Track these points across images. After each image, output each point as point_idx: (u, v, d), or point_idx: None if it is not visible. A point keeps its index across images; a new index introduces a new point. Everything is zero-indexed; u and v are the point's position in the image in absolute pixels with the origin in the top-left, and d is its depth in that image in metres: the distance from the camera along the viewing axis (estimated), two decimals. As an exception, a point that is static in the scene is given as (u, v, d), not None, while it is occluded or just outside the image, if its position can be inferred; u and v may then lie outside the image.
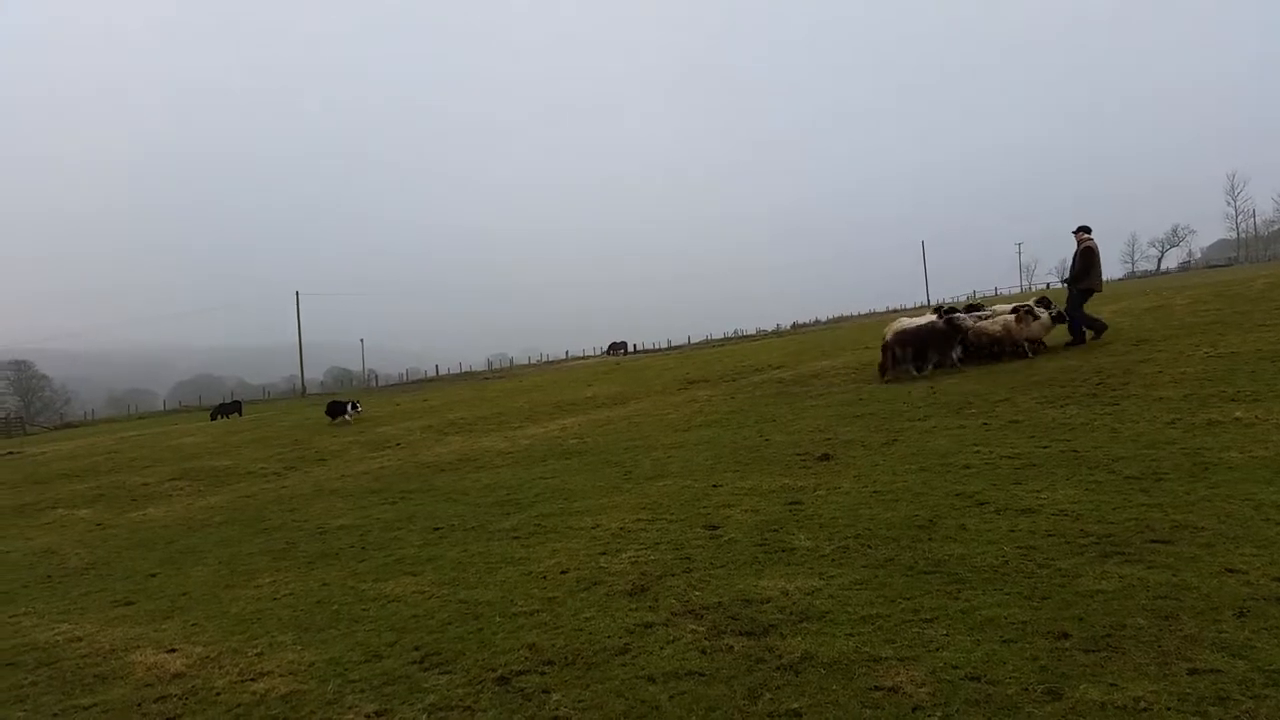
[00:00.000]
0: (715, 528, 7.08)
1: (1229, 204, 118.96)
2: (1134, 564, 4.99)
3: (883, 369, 15.86)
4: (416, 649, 5.27)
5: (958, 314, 15.83)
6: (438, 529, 8.77)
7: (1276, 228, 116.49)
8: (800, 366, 21.03)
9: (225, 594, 7.48)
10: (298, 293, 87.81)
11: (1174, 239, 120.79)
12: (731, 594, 5.39)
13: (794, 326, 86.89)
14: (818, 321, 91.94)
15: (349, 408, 25.78)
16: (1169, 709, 3.35)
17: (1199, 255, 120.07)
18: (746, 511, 7.49)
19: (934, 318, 16.05)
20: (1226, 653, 3.74)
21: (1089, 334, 15.85)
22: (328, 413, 26.04)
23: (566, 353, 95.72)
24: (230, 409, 49.48)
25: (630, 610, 5.36)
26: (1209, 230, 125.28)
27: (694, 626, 4.91)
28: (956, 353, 15.35)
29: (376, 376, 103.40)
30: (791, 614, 4.92)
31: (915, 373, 15.26)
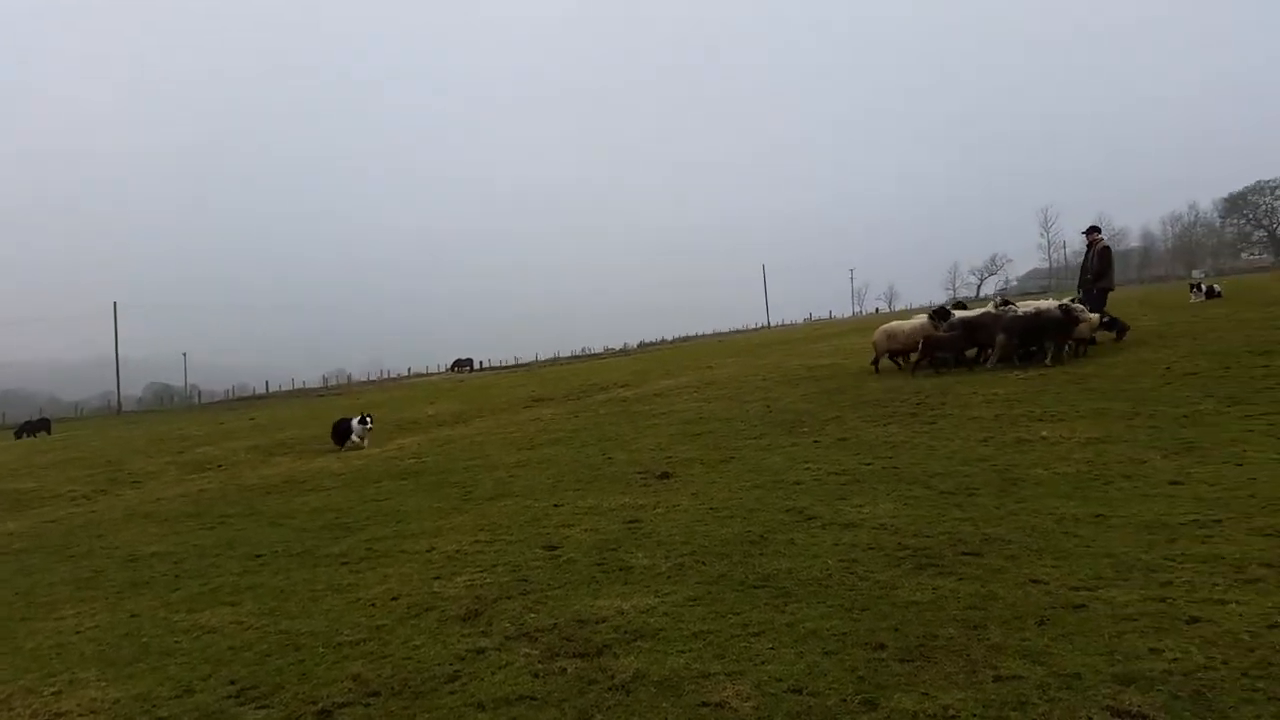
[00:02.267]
0: (554, 548, 7.04)
1: (1042, 236, 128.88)
2: (946, 576, 5.27)
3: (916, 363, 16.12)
4: (232, 682, 5.00)
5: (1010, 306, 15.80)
6: (259, 556, 8.34)
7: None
8: (645, 385, 21.30)
9: (21, 628, 6.88)
10: (115, 304, 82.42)
11: (992, 267, 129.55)
12: (568, 615, 5.37)
13: (641, 345, 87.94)
14: (664, 341, 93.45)
15: (355, 424, 17.93)
16: (975, 715, 3.54)
17: (1015, 283, 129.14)
18: (586, 531, 7.49)
19: (924, 319, 16.49)
20: (1028, 660, 4.00)
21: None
22: (334, 438, 18.17)
23: (409, 369, 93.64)
24: (37, 427, 45.77)
25: (463, 636, 5.25)
26: (1025, 260, 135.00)
27: (528, 650, 4.86)
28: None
29: (200, 393, 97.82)
30: (626, 633, 4.94)
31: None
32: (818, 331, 45.49)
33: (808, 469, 8.88)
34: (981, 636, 4.31)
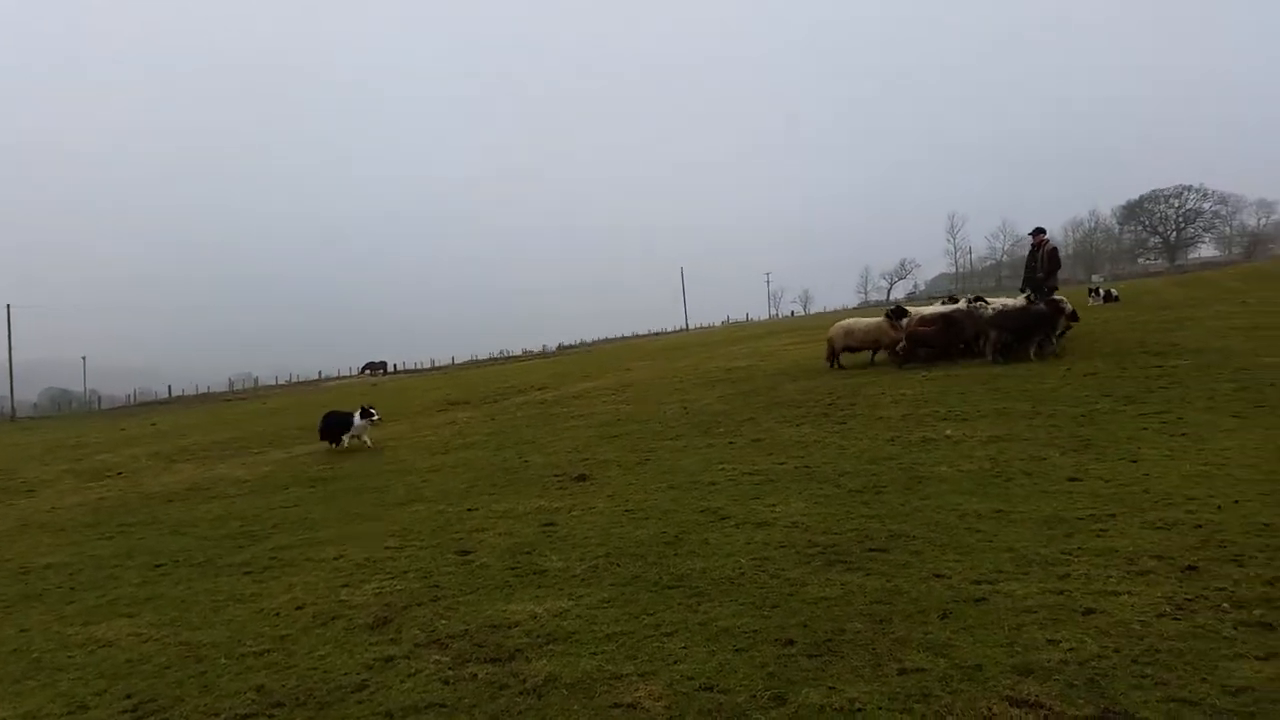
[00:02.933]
0: (467, 553, 6.95)
1: (949, 241, 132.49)
2: (854, 571, 5.37)
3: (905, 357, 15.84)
4: (129, 697, 4.80)
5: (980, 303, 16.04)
6: (160, 565, 8.04)
7: (988, 263, 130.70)
8: (563, 387, 21.23)
9: (-102, 650, 6.50)
10: (9, 306, 78.69)
11: (902, 271, 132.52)
12: (479, 621, 5.30)
13: (560, 348, 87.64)
14: (583, 343, 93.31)
15: (357, 417, 15.27)
16: (880, 708, 3.61)
17: (923, 287, 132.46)
18: (500, 535, 7.42)
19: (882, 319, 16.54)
20: (931, 652, 4.09)
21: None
22: (325, 436, 15.77)
23: (320, 372, 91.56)
24: (-79, 437, 43.47)
25: (371, 644, 5.14)
26: (933, 265, 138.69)
27: (438, 657, 4.78)
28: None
29: (100, 398, 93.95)
30: (539, 637, 4.90)
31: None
32: (735, 334, 45.95)
33: (723, 470, 8.95)
34: (887, 630, 4.40)
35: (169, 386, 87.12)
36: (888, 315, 16.47)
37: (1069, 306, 15.01)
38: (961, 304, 16.55)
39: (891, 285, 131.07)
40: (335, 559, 7.36)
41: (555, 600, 5.51)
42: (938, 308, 17.02)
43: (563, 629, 4.98)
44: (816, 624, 4.58)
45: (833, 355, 17.15)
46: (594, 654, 4.55)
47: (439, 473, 11.21)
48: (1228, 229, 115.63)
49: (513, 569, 6.34)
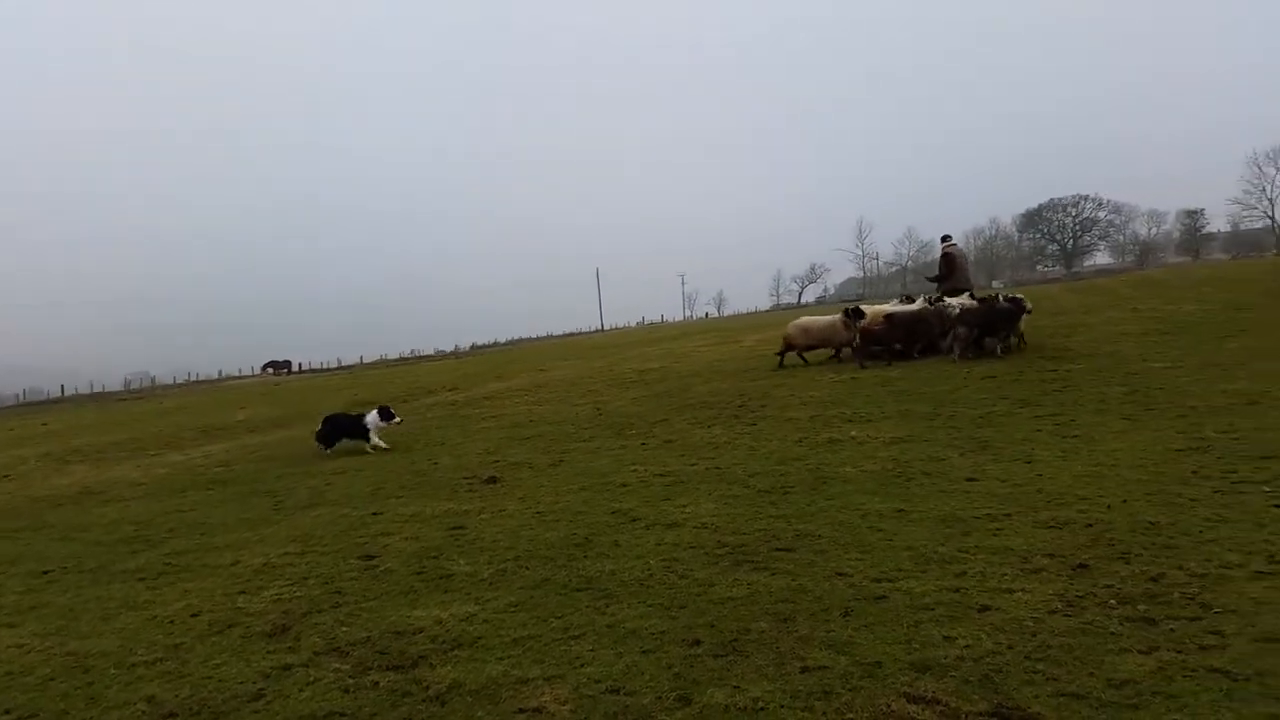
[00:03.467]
0: (371, 558, 6.80)
1: (858, 247, 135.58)
2: (761, 571, 5.43)
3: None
4: (8, 712, 4.56)
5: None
6: (47, 572, 7.67)
7: (895, 269, 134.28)
8: (475, 388, 21.01)
9: None
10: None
11: (812, 276, 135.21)
12: (382, 627, 5.19)
13: (473, 348, 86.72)
14: (496, 343, 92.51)
15: (373, 417, 13.18)
16: (782, 706, 3.66)
17: (833, 290, 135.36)
18: (406, 539, 7.28)
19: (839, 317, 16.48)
20: (833, 650, 4.16)
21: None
22: (323, 438, 13.47)
23: (220, 372, 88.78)
24: None
25: (268, 653, 4.98)
26: (841, 269, 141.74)
27: (338, 665, 4.66)
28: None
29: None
30: (444, 643, 4.83)
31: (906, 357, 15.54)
32: (650, 335, 46.17)
33: (634, 471, 8.97)
34: (791, 629, 4.46)
35: (61, 386, 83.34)
36: (845, 314, 16.63)
37: (1029, 304, 15.31)
38: (920, 303, 16.83)
39: (802, 289, 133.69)
40: (233, 565, 7.12)
41: (461, 605, 5.43)
42: (901, 307, 17.15)
43: (468, 634, 4.92)
44: (723, 624, 4.62)
45: (786, 351, 17.07)
46: (500, 659, 4.50)
47: (343, 475, 10.97)
48: (1121, 237, 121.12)
49: (418, 574, 6.23)
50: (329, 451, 13.23)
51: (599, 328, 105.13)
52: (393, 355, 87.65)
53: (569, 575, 5.76)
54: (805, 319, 17.64)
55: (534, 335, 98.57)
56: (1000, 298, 15.35)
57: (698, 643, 4.39)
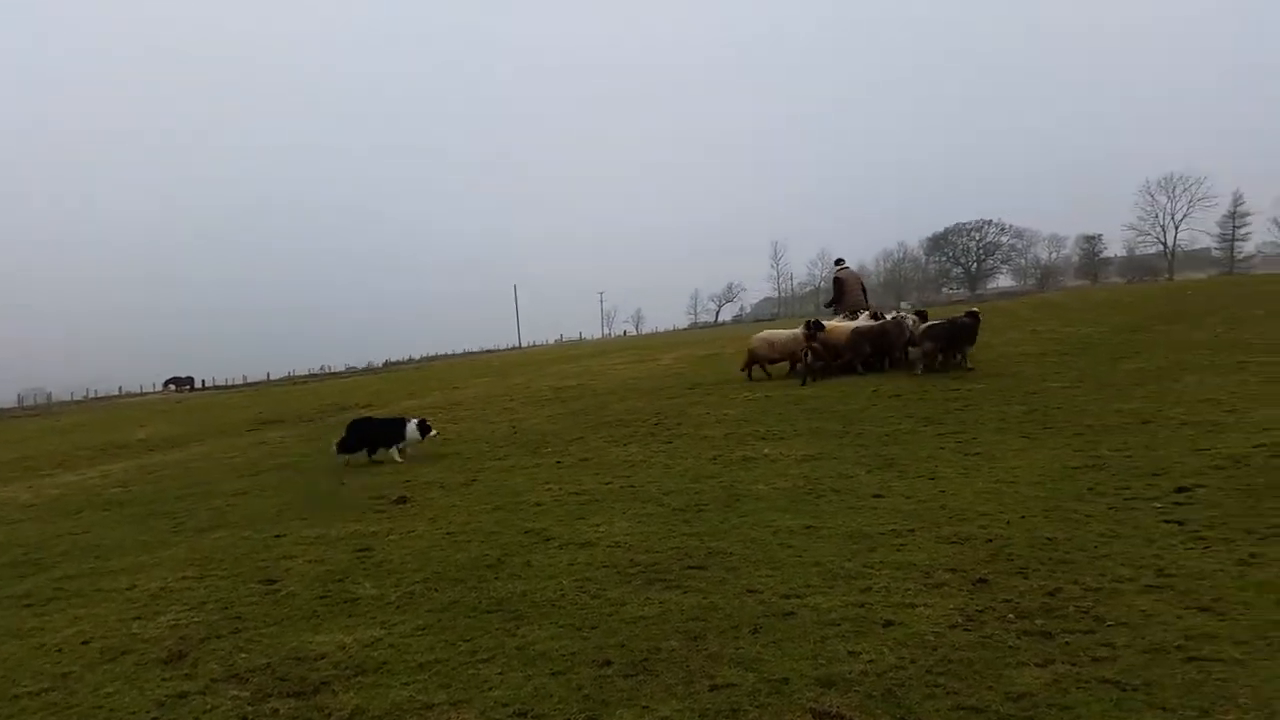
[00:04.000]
0: (273, 581, 6.60)
1: (773, 267, 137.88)
2: (673, 589, 5.44)
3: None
4: (-128, 756, 4.29)
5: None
6: (-77, 602, 7.25)
7: (809, 289, 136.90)
8: (387, 406, 20.62)
9: None
10: None
11: (729, 295, 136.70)
12: (283, 653, 5.04)
13: (387, 365, 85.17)
14: (411, 360, 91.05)
15: (414, 427, 12.09)
16: (690, 724, 3.66)
17: (749, 310, 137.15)
18: (310, 562, 7.09)
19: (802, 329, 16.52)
20: (741, 667, 4.19)
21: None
22: (346, 447, 12.34)
23: (120, 388, 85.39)
24: None
25: (163, 680, 4.79)
26: (757, 289, 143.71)
27: (236, 692, 4.50)
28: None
29: None
30: (347, 668, 4.70)
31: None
32: (568, 353, 46.05)
33: (549, 490, 8.91)
34: (701, 647, 4.47)
35: (-53, 403, 79.09)
36: (805, 326, 16.84)
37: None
38: (889, 318, 17.14)
39: (720, 307, 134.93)
40: (128, 589, 6.83)
41: (366, 629, 5.30)
42: (867, 321, 17.34)
43: (373, 659, 4.80)
44: (634, 643, 4.61)
45: (751, 365, 17.21)
46: (405, 684, 4.40)
47: (246, 496, 10.63)
48: (1023, 261, 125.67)
49: (322, 598, 6.07)
50: (344, 460, 12.25)
51: (516, 345, 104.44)
52: (301, 371, 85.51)
53: (479, 597, 5.68)
54: (769, 332, 17.96)
55: (450, 352, 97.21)
56: (965, 313, 15.80)
57: (608, 663, 4.37)
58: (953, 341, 15.04)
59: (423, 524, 8.02)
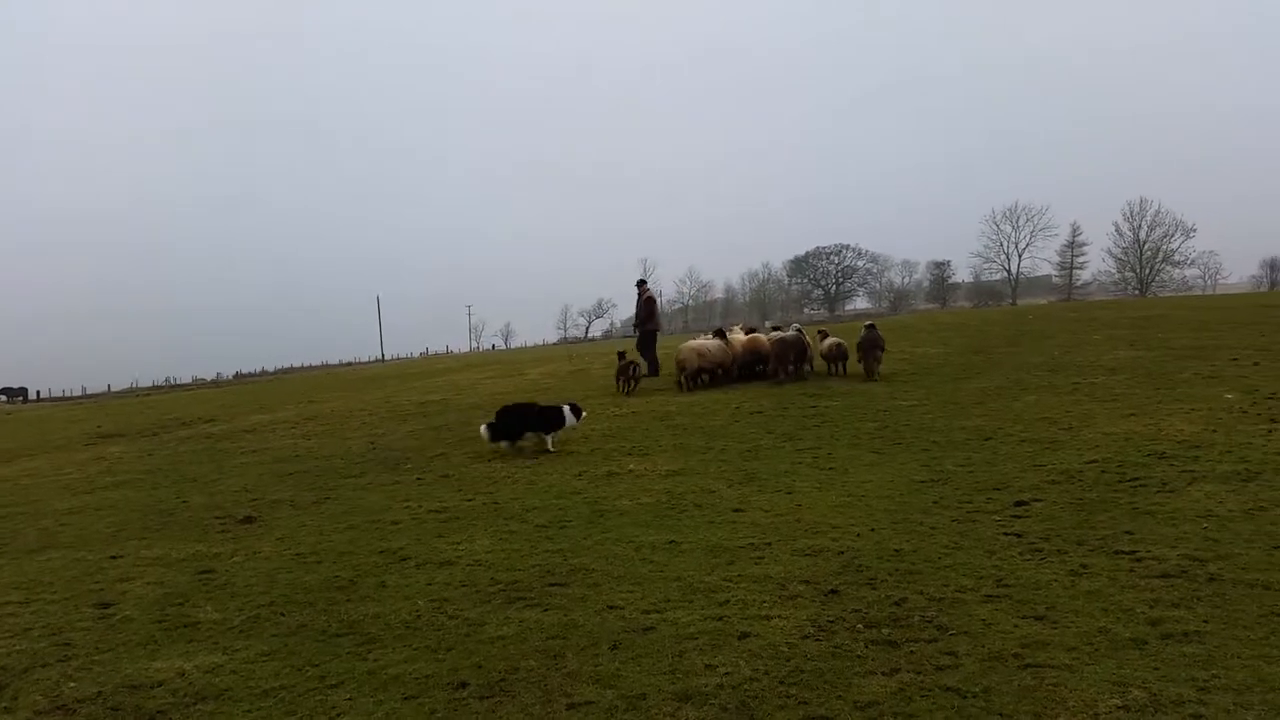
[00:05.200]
0: (108, 605, 6.19)
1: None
2: (534, 607, 5.39)
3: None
4: None
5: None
6: None
7: (677, 306, 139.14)
8: (236, 420, 19.67)
9: None
10: None
11: (599, 310, 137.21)
12: (116, 681, 4.72)
13: (237, 376, 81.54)
14: (265, 372, 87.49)
15: (567, 413, 11.68)
16: (546, 744, 3.61)
17: (619, 326, 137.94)
18: (149, 584, 6.68)
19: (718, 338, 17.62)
20: (600, 684, 4.17)
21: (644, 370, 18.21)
22: (498, 436, 11.72)
23: (-57, 401, 78.87)
24: None
25: (-26, 717, 4.42)
26: (628, 305, 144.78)
27: (60, 726, 4.19)
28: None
29: None
30: (186, 696, 4.45)
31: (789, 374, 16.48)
32: (433, 367, 45.16)
33: (407, 507, 8.69)
34: (560, 665, 4.44)
35: None
36: (714, 334, 17.78)
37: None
38: (791, 331, 17.86)
39: (590, 323, 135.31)
40: (-63, 619, 6.27)
41: (207, 655, 5.03)
42: (779, 333, 18.01)
43: (214, 686, 4.56)
44: (491, 664, 4.53)
45: (693, 377, 16.90)
46: (248, 712, 4.20)
47: (80, 515, 9.93)
48: (878, 285, 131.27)
49: (160, 622, 5.73)
50: (508, 447, 11.65)
51: (379, 358, 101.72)
52: (145, 383, 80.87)
53: (329, 620, 5.47)
54: (697, 342, 17.76)
55: (307, 364, 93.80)
56: (864, 326, 17.00)
57: (464, 685, 4.28)
58: (867, 351, 16.29)
59: (270, 544, 7.68)
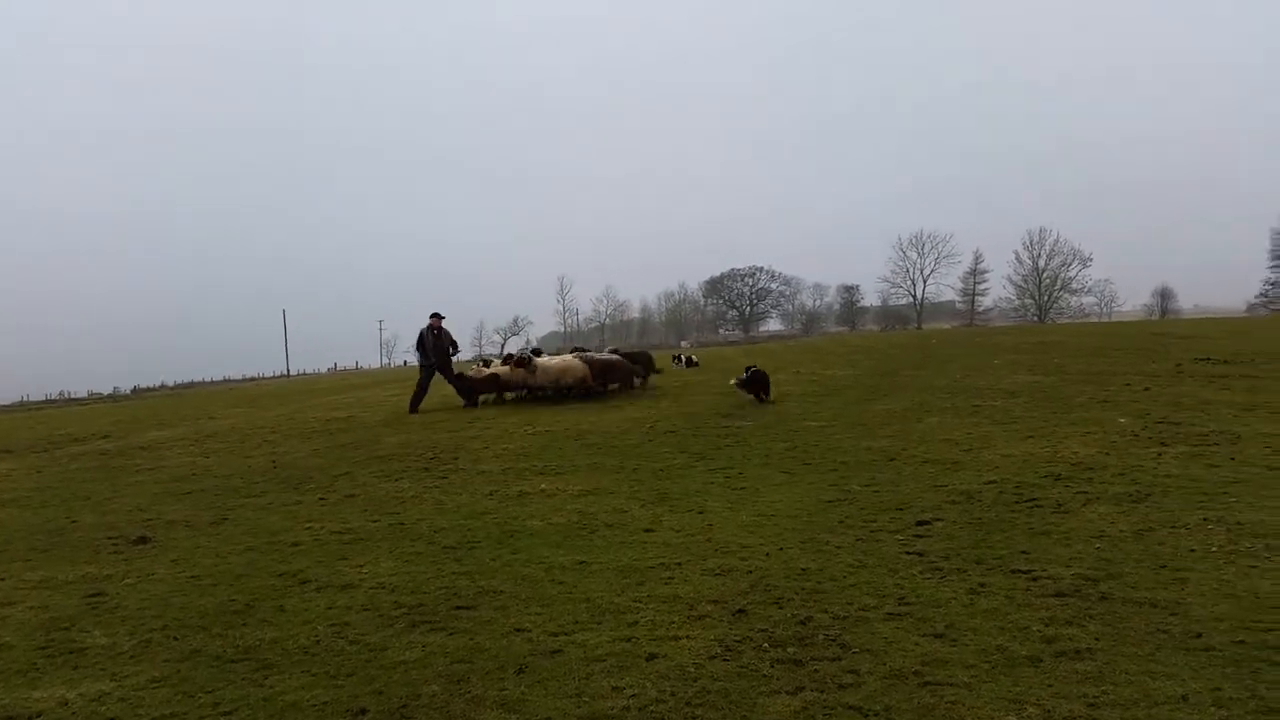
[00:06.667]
0: (-15, 632, 5.86)
1: (559, 302, 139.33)
2: (438, 631, 5.28)
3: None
4: None
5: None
6: None
7: (594, 324, 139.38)
8: (131, 436, 18.92)
9: None
10: None
11: (515, 327, 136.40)
12: (-8, 713, 4.47)
13: (135, 391, 78.36)
14: (164, 386, 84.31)
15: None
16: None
17: (535, 342, 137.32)
18: (32, 609, 6.35)
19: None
20: (504, 709, 4.11)
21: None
22: (754, 386, 16.17)
23: None
24: None
25: None
26: (544, 322, 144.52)
27: (-76, 763, 3.94)
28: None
29: None
30: (68, 727, 4.23)
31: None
32: (341, 382, 44.21)
33: (309, 529, 8.45)
34: (464, 690, 4.36)
35: None
36: (574, 351, 20.92)
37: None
38: (605, 353, 20.83)
39: (505, 340, 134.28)
40: None
41: (94, 682, 4.80)
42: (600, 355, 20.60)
43: (99, 715, 4.35)
44: (392, 690, 4.42)
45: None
46: (134, 742, 4.01)
47: (-42, 536, 9.41)
48: (790, 307, 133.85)
49: (43, 648, 5.44)
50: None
51: (284, 373, 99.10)
52: (37, 397, 77.06)
53: (224, 645, 5.27)
54: (539, 360, 19.48)
55: (207, 379, 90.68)
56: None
57: (363, 712, 4.17)
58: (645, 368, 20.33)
59: (164, 566, 7.38)
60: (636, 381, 19.83)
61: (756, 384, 16.17)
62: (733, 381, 17.20)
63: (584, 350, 21.98)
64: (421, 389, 19.60)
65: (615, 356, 20.26)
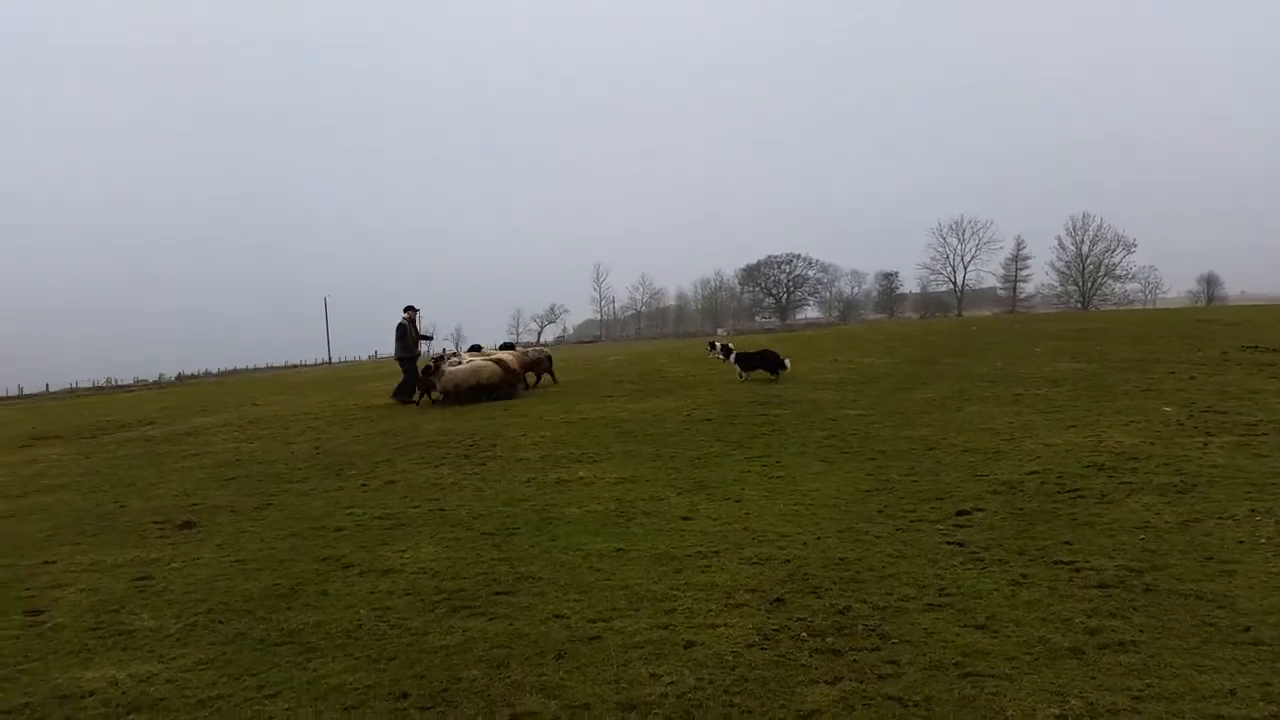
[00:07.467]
0: (38, 613, 6.01)
1: (595, 290, 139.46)
2: (478, 616, 5.33)
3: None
4: None
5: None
6: None
7: (630, 313, 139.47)
8: (177, 423, 19.26)
9: None
10: None
11: (552, 316, 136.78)
12: (46, 691, 4.59)
13: (180, 378, 79.75)
14: (208, 374, 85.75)
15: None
16: (488, 755, 3.57)
17: (571, 331, 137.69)
18: (83, 591, 6.50)
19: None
20: (544, 694, 4.14)
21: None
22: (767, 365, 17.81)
23: None
24: None
25: (-110, 731, 4.26)
26: (580, 310, 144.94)
27: (-17, 739, 4.06)
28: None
29: None
30: (119, 706, 4.34)
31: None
32: (382, 370, 44.64)
33: (351, 514, 8.56)
34: (504, 675, 4.40)
35: None
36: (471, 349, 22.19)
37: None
38: (533, 348, 22.15)
39: (542, 328, 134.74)
40: None
41: (142, 664, 4.91)
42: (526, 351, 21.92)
43: (148, 696, 4.45)
44: (433, 674, 4.48)
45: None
46: (182, 723, 4.10)
47: (11, 519, 9.64)
48: (827, 294, 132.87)
49: (93, 630, 5.58)
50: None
51: (326, 360, 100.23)
52: (85, 384, 78.68)
53: (268, 629, 5.37)
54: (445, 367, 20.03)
55: (251, 366, 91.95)
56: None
57: (405, 695, 4.23)
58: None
59: (210, 550, 7.52)
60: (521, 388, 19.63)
61: (766, 362, 17.51)
62: (720, 357, 18.49)
63: (511, 347, 22.48)
64: (408, 379, 19.70)
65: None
